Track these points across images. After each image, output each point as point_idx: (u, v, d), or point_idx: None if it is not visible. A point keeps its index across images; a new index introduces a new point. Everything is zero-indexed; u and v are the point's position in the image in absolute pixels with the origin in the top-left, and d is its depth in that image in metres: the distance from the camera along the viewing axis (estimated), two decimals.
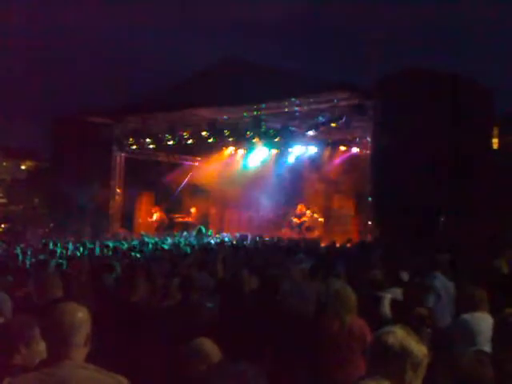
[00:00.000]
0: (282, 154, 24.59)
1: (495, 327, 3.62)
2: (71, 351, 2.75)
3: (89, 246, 14.10)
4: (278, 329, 4.78)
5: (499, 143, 19.53)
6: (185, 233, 22.48)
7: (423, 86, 16.43)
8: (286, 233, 22.81)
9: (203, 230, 22.32)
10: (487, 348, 3.91)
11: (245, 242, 17.82)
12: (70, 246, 13.85)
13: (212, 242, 18.45)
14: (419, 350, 2.44)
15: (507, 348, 3.33)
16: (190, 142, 22.64)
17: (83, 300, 4.57)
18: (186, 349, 3.47)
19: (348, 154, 22.41)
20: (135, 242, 15.96)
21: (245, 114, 20.84)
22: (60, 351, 2.74)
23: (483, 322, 4.62)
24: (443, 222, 15.91)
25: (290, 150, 24.12)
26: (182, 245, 15.33)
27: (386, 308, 5.18)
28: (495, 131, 19.36)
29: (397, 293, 5.49)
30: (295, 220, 23.38)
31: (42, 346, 3.01)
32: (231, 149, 25.62)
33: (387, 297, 5.29)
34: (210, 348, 3.44)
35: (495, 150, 19.32)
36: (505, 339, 3.39)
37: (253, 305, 5.28)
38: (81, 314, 2.83)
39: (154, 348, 4.70)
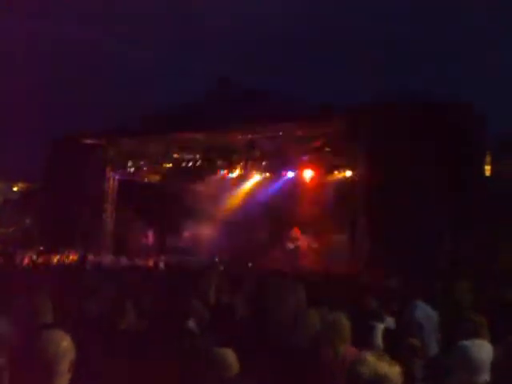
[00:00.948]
0: (277, 177, 24.62)
1: (498, 354, 3.55)
2: (55, 380, 2.75)
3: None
4: (271, 357, 4.69)
5: (492, 170, 19.58)
6: None
7: (418, 111, 16.53)
8: (279, 257, 22.67)
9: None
10: (486, 376, 3.83)
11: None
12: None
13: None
14: (393, 372, 2.43)
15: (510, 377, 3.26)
16: (184, 165, 22.64)
17: (71, 326, 4.47)
18: (209, 355, 3.47)
19: (342, 179, 22.39)
20: None
21: (239, 137, 20.90)
22: (43, 379, 2.74)
23: (483, 350, 4.55)
24: (442, 248, 15.88)
25: (284, 173, 24.15)
26: None
27: (379, 338, 5.09)
28: (487, 158, 19.41)
29: (390, 322, 5.41)
30: (289, 244, 23.26)
31: None
32: (225, 172, 25.61)
33: (380, 327, 5.20)
34: (232, 360, 3.45)
35: (488, 177, 19.36)
36: (508, 368, 3.32)
37: (246, 333, 5.20)
38: (65, 343, 2.84)
39: (146, 376, 4.59)
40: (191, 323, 5.35)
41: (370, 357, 2.49)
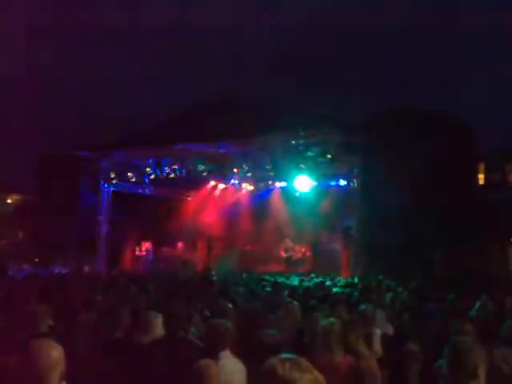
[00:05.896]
0: (270, 187, 24.64)
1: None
2: None
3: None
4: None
5: (485, 179, 19.68)
6: None
7: (409, 125, 16.70)
8: (273, 267, 22.62)
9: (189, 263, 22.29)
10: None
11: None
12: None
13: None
14: (303, 378, 2.20)
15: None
16: (178, 175, 22.62)
17: (66, 336, 4.43)
18: None
19: (336, 189, 22.42)
20: None
21: (234, 148, 20.88)
22: None
23: (475, 347, 4.55)
24: (433, 258, 15.95)
25: (278, 183, 24.16)
26: None
27: (377, 343, 5.06)
28: (481, 167, 19.53)
29: (388, 328, 5.39)
30: (283, 254, 23.24)
31: None
32: (220, 183, 25.67)
33: (378, 332, 5.17)
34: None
35: (482, 185, 19.47)
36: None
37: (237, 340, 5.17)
38: (56, 353, 2.81)
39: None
40: (192, 331, 5.33)
41: (281, 364, 2.26)
